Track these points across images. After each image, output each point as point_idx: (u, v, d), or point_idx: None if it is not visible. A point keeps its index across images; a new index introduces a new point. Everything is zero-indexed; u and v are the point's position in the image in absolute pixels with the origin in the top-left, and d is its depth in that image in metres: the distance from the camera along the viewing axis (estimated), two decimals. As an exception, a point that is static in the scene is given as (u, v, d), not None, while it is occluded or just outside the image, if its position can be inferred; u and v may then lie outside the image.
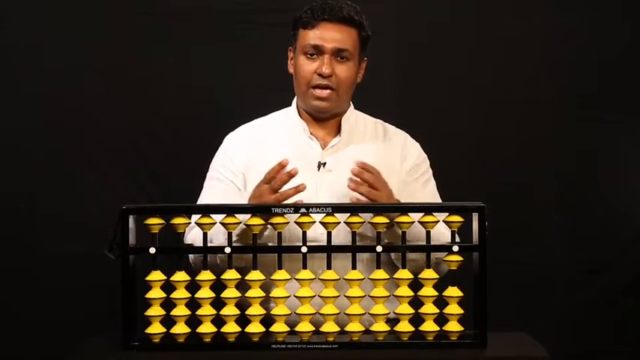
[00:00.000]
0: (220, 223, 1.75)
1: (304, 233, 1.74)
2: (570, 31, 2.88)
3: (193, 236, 1.94)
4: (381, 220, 1.75)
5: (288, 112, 2.18)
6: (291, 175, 1.84)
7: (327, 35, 2.03)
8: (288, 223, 1.74)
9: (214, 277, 1.75)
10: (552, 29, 2.88)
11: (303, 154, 2.09)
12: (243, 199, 2.09)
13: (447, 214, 1.77)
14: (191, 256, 1.99)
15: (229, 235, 1.75)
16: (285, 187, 1.93)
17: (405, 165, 2.12)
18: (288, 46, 2.15)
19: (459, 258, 1.75)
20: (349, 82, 2.07)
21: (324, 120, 2.12)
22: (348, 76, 2.06)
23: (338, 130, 2.13)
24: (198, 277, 1.74)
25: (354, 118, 2.16)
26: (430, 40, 2.86)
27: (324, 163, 2.08)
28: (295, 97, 2.17)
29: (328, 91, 2.04)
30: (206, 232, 1.76)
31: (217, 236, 1.86)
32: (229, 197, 2.09)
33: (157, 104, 2.82)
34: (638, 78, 2.90)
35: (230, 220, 1.74)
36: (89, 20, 2.80)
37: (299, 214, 1.74)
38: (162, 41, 2.82)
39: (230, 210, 1.75)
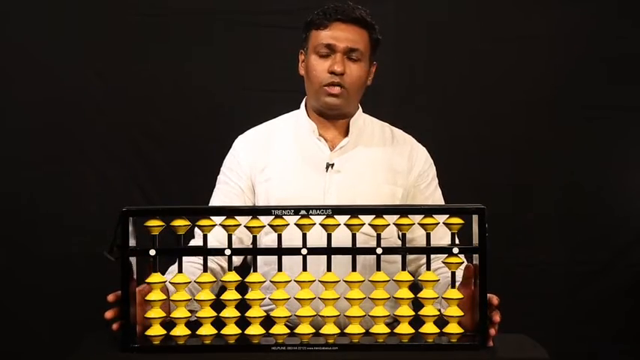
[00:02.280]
0: (220, 225, 1.75)
1: (304, 235, 1.74)
2: (571, 33, 2.88)
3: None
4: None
5: (297, 113, 2.20)
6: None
7: (340, 35, 2.06)
8: (287, 224, 1.74)
9: (214, 279, 1.75)
10: (554, 32, 2.87)
11: (311, 156, 2.12)
12: (246, 202, 2.11)
13: (448, 215, 1.77)
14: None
15: (229, 237, 1.75)
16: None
17: (413, 171, 2.16)
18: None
19: (459, 260, 1.75)
20: (360, 82, 2.10)
21: (334, 120, 2.14)
22: (359, 76, 2.09)
23: (346, 132, 2.15)
24: (198, 280, 1.74)
25: (362, 121, 2.19)
26: (430, 41, 2.86)
27: (332, 165, 2.10)
28: (304, 99, 2.19)
29: (339, 88, 2.07)
30: (206, 235, 1.76)
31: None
32: (231, 199, 2.11)
33: (157, 105, 2.82)
34: (638, 80, 2.90)
35: (230, 222, 1.74)
36: (89, 20, 2.79)
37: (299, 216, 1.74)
38: (162, 41, 2.81)
39: (230, 212, 1.75)
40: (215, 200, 2.17)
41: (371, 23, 2.11)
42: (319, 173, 2.10)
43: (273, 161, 2.14)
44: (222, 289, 1.76)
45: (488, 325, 1.72)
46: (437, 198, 2.21)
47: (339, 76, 2.06)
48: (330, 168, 2.11)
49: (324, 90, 2.08)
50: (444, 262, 1.77)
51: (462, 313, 1.74)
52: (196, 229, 1.92)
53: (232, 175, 2.16)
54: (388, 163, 2.15)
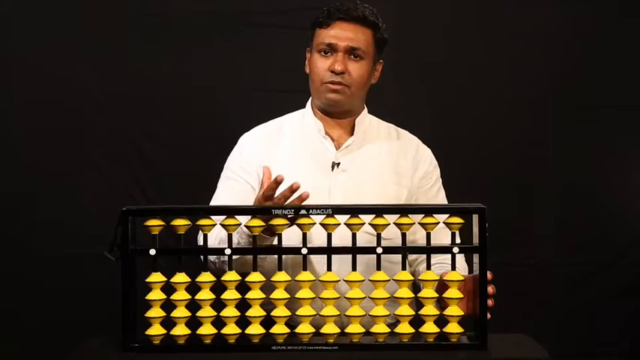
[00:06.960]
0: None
1: (304, 235, 1.74)
2: (569, 34, 2.88)
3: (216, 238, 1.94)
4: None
5: (303, 112, 2.20)
6: (293, 190, 1.76)
7: (341, 34, 2.08)
8: (288, 225, 1.74)
9: (214, 279, 1.75)
10: (552, 33, 2.87)
11: (317, 154, 2.12)
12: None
13: (448, 215, 1.77)
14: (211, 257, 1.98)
15: (229, 236, 1.75)
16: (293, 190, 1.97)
17: (418, 172, 2.16)
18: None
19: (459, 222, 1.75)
20: (362, 81, 2.10)
21: (338, 118, 2.14)
22: (360, 74, 2.09)
23: (352, 131, 2.16)
24: (199, 279, 1.74)
25: (368, 121, 2.19)
26: (430, 41, 2.86)
27: (338, 164, 2.10)
28: (310, 99, 2.19)
29: (341, 85, 2.07)
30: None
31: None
32: (246, 197, 2.10)
33: (157, 105, 2.82)
34: (637, 79, 2.90)
35: (230, 221, 1.74)
36: (89, 20, 2.79)
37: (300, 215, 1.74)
38: (163, 42, 2.81)
39: (230, 212, 1.75)
40: (225, 197, 2.13)
41: (374, 22, 2.10)
42: (325, 172, 2.10)
43: (279, 160, 2.12)
44: (223, 288, 1.76)
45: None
46: (440, 199, 2.21)
47: (340, 75, 2.06)
48: (335, 167, 2.10)
49: (325, 87, 2.08)
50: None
51: (463, 312, 1.74)
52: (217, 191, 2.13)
53: (242, 173, 2.14)
54: (394, 164, 2.15)
